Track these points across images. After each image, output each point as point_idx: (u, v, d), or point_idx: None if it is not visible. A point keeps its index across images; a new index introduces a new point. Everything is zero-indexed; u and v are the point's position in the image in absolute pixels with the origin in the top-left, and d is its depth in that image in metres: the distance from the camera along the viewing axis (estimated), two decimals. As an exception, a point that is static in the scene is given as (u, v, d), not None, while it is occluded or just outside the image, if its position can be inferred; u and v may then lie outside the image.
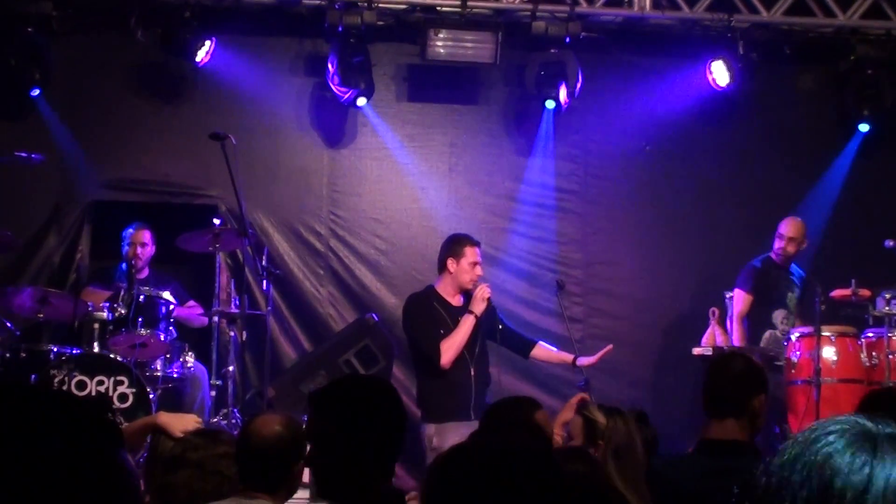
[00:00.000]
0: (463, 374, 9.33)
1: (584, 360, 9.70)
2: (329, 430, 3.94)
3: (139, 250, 10.60)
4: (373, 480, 3.87)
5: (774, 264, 10.78)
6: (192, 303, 10.72)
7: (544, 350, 9.93)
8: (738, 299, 10.68)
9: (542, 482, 2.66)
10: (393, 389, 4.17)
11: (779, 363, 10.32)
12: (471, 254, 9.50)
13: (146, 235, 10.63)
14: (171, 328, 10.20)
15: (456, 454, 2.76)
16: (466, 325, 9.35)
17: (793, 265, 10.86)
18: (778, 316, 10.68)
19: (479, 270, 9.52)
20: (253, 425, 4.77)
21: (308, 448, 4.07)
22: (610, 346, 9.78)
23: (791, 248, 10.68)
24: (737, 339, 10.53)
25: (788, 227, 10.74)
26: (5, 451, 2.01)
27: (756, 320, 10.69)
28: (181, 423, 5.02)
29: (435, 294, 9.55)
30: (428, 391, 9.34)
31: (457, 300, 9.55)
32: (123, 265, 10.64)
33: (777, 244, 10.73)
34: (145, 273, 10.66)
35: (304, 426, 4.74)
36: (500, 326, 9.68)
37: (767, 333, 10.58)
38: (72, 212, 11.10)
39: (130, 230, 10.63)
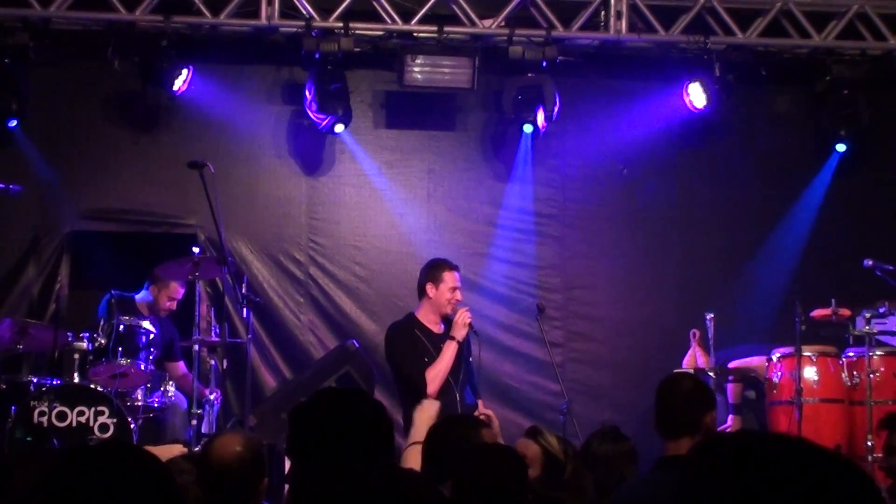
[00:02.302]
0: (449, 401, 9.30)
1: None
2: (309, 445, 3.89)
3: (175, 306, 10.63)
4: None
5: None
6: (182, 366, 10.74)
7: None
8: (758, 361, 10.58)
9: None
10: (373, 400, 4.12)
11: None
12: (450, 279, 9.50)
13: (181, 292, 10.63)
14: (150, 357, 10.18)
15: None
16: (450, 351, 9.34)
17: None
18: None
19: (458, 295, 9.52)
20: (212, 448, 4.75)
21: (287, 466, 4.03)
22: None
23: None
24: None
25: None
26: None
27: None
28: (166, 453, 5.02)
29: (416, 322, 9.54)
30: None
31: (438, 327, 9.53)
32: (142, 296, 10.62)
33: None
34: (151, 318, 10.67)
35: (262, 446, 4.75)
36: (470, 358, 9.66)
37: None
38: (50, 242, 11.08)
39: (174, 283, 10.56)
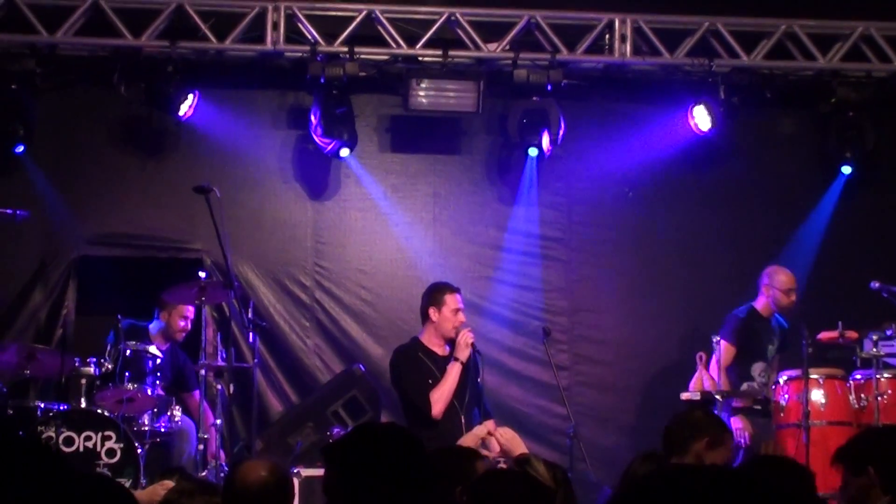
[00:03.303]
0: (454, 424, 9.33)
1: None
2: (345, 483, 3.85)
3: (190, 325, 10.61)
4: None
5: (759, 316, 10.73)
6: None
7: None
8: (722, 350, 10.63)
9: None
10: (410, 436, 4.07)
11: (756, 407, 10.34)
12: (452, 301, 9.55)
13: (192, 310, 10.61)
14: (157, 382, 10.17)
15: None
16: (453, 372, 9.38)
17: (775, 315, 10.83)
18: (756, 369, 10.62)
19: (461, 317, 9.57)
20: (238, 472, 4.77)
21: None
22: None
23: (794, 299, 10.66)
24: (724, 386, 10.50)
25: (791, 279, 10.69)
26: None
27: (735, 372, 10.64)
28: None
29: (420, 345, 9.58)
30: (419, 443, 9.30)
31: (442, 350, 9.57)
32: (155, 325, 10.64)
33: (784, 299, 10.62)
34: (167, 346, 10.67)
35: (288, 472, 4.74)
36: (479, 379, 9.65)
37: (745, 386, 10.54)
38: (57, 267, 11.08)
39: (182, 304, 10.54)
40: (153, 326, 10.68)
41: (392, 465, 3.81)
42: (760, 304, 10.74)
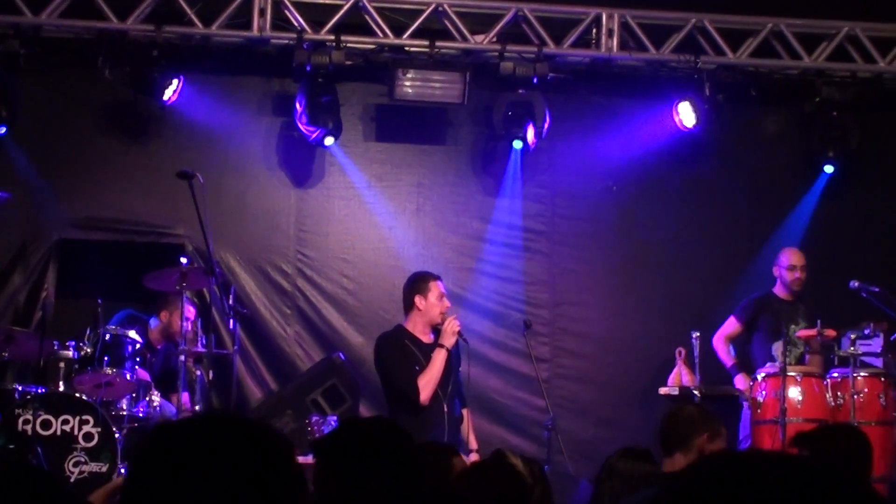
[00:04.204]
0: (436, 412, 9.34)
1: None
2: (335, 476, 3.84)
3: (191, 326, 10.56)
4: None
5: (775, 298, 10.89)
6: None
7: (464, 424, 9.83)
8: (727, 322, 10.90)
9: None
10: (400, 429, 4.06)
11: None
12: (436, 288, 9.61)
13: (192, 311, 10.56)
14: (136, 367, 10.14)
15: None
16: (439, 358, 9.39)
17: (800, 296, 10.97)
18: (777, 348, 10.70)
19: (446, 302, 9.62)
20: None
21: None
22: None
23: (804, 275, 10.81)
24: (722, 355, 10.82)
25: (795, 256, 10.91)
26: None
27: (757, 353, 10.75)
28: None
29: (405, 332, 9.58)
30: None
31: (428, 338, 9.58)
32: (154, 325, 10.64)
33: (788, 276, 10.83)
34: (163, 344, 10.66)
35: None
36: (460, 368, 9.69)
37: (768, 365, 10.59)
38: (38, 250, 11.04)
39: (183, 303, 10.50)
40: (153, 325, 10.67)
41: (382, 459, 3.80)
42: (777, 286, 10.94)
